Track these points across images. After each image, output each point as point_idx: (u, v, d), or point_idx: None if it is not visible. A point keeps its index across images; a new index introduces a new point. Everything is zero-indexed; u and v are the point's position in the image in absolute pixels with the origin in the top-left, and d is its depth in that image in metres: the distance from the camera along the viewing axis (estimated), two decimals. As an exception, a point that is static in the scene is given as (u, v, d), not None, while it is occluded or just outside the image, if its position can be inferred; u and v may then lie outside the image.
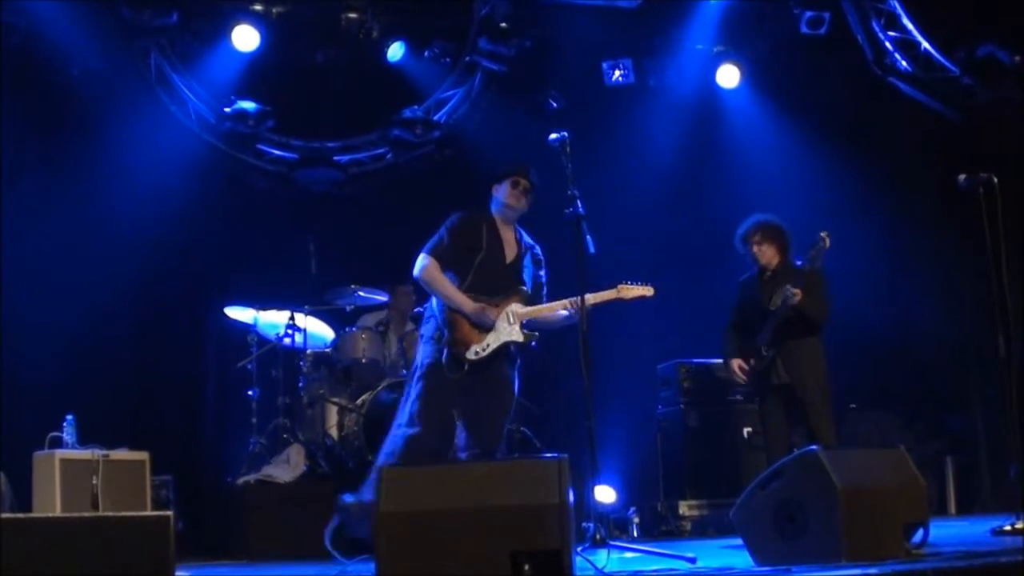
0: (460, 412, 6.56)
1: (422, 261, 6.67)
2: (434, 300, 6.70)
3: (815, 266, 7.65)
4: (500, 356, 6.57)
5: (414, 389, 6.59)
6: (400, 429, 6.55)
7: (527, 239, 6.93)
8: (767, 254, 7.88)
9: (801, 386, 7.67)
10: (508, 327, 6.56)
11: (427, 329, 6.72)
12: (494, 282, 6.65)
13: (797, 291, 7.54)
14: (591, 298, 6.55)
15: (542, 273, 6.90)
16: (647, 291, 6.71)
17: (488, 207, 6.83)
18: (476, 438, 6.53)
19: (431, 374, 6.54)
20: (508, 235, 6.81)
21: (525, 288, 6.72)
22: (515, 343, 6.58)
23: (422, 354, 6.68)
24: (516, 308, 6.62)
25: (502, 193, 6.76)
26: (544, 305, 6.73)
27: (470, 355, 6.49)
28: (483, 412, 6.58)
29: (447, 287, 6.60)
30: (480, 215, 6.79)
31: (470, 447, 6.54)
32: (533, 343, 6.68)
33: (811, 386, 7.65)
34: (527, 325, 6.64)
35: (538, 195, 6.82)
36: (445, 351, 6.52)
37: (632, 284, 6.72)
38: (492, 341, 6.52)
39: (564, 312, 6.63)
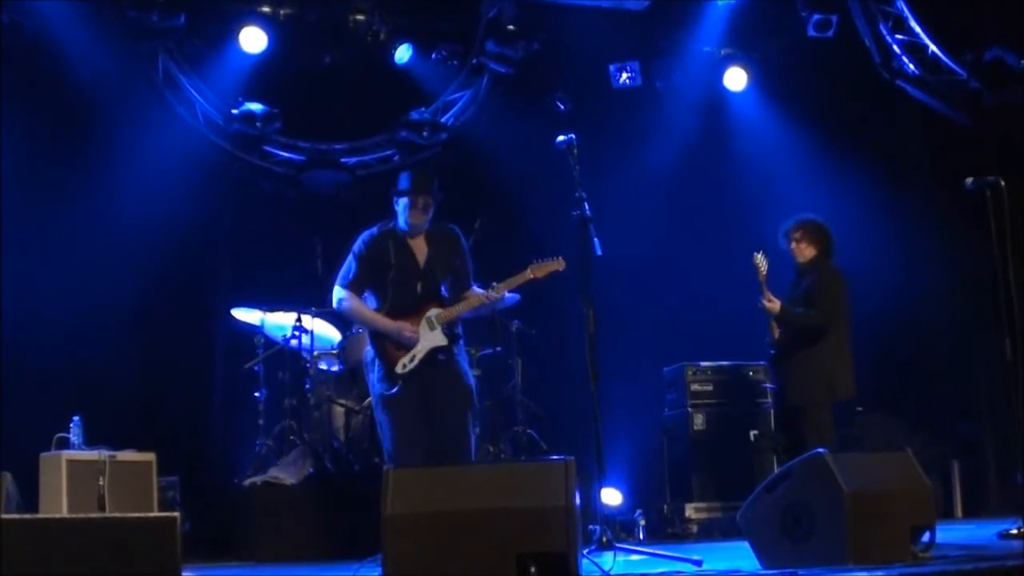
0: (422, 421, 6.64)
1: (336, 293, 6.86)
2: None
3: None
4: (436, 357, 6.67)
5: (383, 422, 6.70)
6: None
7: (440, 229, 6.92)
8: (803, 251, 7.96)
9: (791, 393, 7.83)
10: (430, 333, 6.67)
11: (364, 355, 6.90)
12: (411, 293, 6.75)
13: (767, 303, 7.70)
14: (504, 285, 6.75)
15: (460, 258, 6.93)
16: (559, 264, 6.76)
17: (395, 219, 6.85)
18: (440, 439, 6.60)
19: (385, 402, 6.67)
20: (417, 242, 6.83)
21: (442, 292, 6.80)
22: (439, 347, 6.68)
23: (369, 382, 6.86)
24: (435, 312, 6.71)
25: (404, 208, 6.79)
26: (460, 304, 6.80)
27: (399, 369, 6.63)
28: (438, 413, 6.65)
29: (365, 313, 6.80)
30: (385, 230, 6.85)
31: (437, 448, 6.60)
32: (458, 342, 6.82)
33: (799, 394, 7.78)
34: (448, 327, 6.73)
35: (440, 200, 6.88)
36: (377, 372, 6.71)
37: (542, 261, 6.78)
38: (418, 351, 6.64)
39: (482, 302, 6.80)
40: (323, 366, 9.07)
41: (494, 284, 6.78)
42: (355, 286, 6.79)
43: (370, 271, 6.78)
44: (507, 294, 6.94)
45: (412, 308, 6.70)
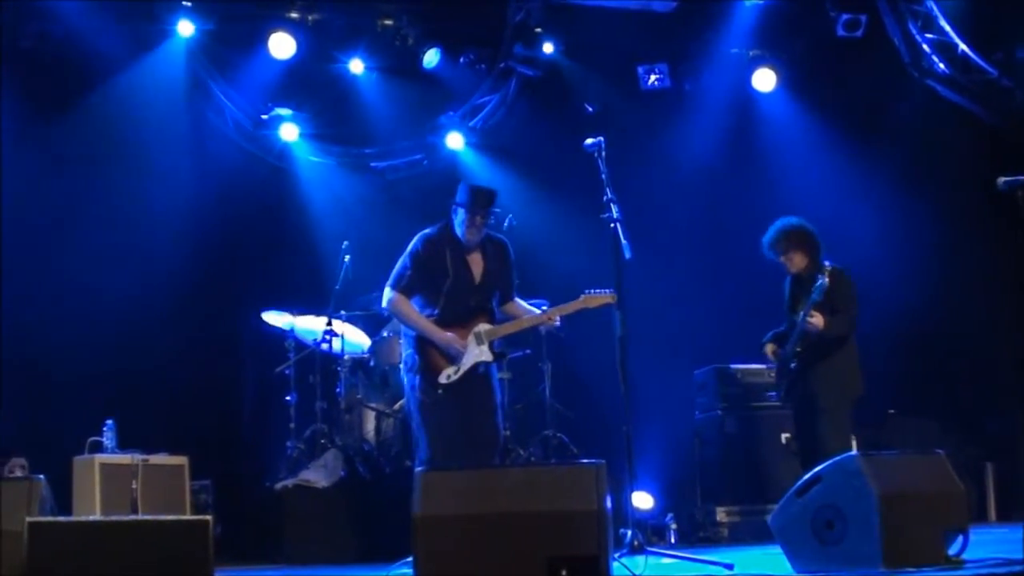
0: (459, 429, 6.66)
1: (388, 295, 6.82)
2: (404, 328, 6.90)
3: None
4: (477, 370, 6.69)
5: (420, 428, 6.70)
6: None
7: (493, 241, 6.93)
8: (795, 261, 7.79)
9: (815, 398, 7.64)
10: (477, 348, 6.69)
11: (405, 358, 6.87)
12: (464, 305, 6.75)
13: (814, 320, 7.47)
14: (557, 311, 6.80)
15: (509, 272, 6.96)
16: (611, 299, 6.68)
17: (452, 225, 6.81)
18: (475, 446, 6.63)
19: (425, 408, 6.67)
20: (474, 255, 6.82)
21: (492, 307, 6.84)
22: (484, 363, 6.70)
23: (407, 385, 6.85)
24: (484, 327, 6.72)
25: (461, 222, 6.74)
26: (511, 323, 6.88)
27: (442, 379, 6.65)
28: (474, 422, 6.69)
29: (417, 319, 6.75)
30: (443, 237, 6.80)
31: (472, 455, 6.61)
32: (502, 361, 6.92)
33: (824, 398, 7.61)
34: (496, 344, 6.76)
35: (498, 215, 6.94)
36: (418, 377, 6.69)
37: (595, 292, 6.75)
38: (464, 364, 6.66)
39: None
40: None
41: (544, 308, 6.87)
42: (407, 289, 6.77)
43: (425, 276, 6.76)
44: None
45: (463, 320, 6.72)
